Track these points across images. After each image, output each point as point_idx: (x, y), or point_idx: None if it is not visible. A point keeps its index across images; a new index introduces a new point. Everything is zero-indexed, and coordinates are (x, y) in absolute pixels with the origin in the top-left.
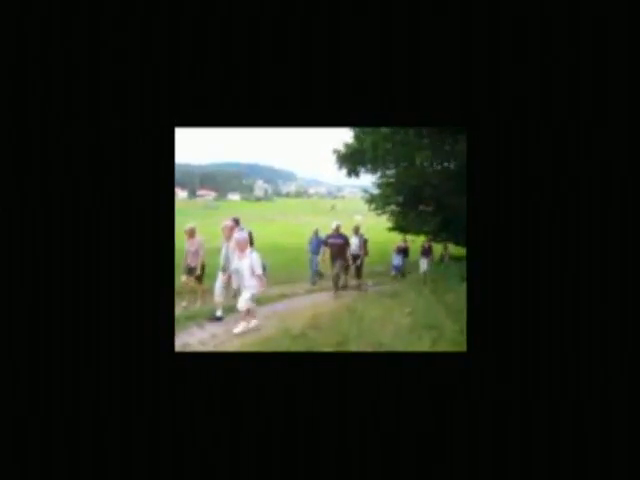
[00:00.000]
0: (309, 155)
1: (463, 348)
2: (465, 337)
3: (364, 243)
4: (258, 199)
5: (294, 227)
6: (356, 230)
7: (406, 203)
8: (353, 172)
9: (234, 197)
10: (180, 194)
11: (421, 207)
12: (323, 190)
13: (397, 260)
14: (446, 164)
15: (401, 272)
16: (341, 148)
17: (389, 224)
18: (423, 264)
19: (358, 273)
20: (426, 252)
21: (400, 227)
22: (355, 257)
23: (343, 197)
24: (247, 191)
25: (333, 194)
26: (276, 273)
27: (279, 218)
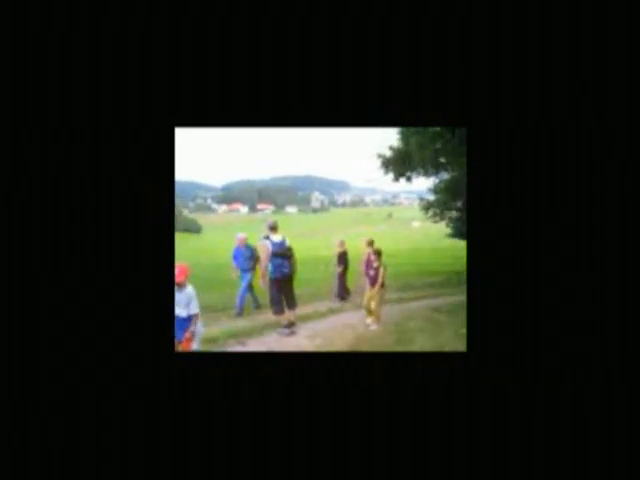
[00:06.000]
0: (362, 163)
1: None
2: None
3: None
4: (315, 210)
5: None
6: (272, 227)
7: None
8: (402, 176)
9: (291, 210)
10: (242, 209)
11: None
12: (378, 198)
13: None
14: None
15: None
16: (386, 152)
17: (448, 230)
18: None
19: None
20: (340, 261)
21: (461, 233)
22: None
23: (400, 204)
24: (304, 203)
25: (389, 202)
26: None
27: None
